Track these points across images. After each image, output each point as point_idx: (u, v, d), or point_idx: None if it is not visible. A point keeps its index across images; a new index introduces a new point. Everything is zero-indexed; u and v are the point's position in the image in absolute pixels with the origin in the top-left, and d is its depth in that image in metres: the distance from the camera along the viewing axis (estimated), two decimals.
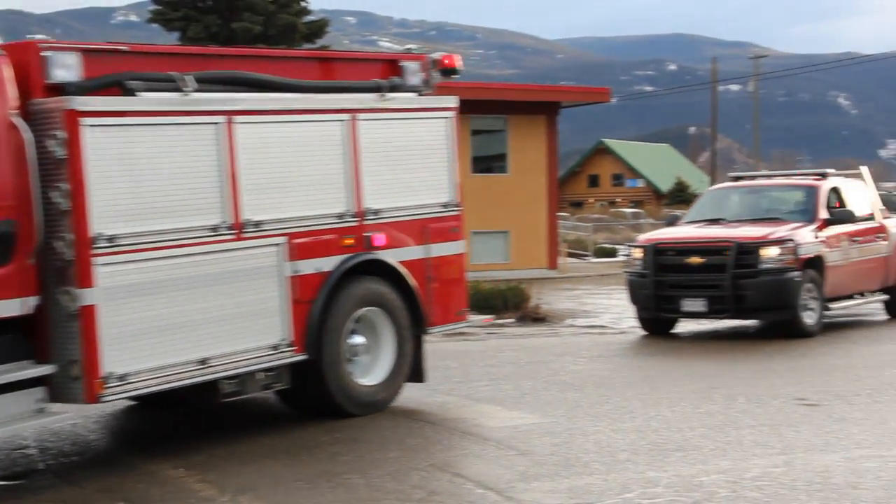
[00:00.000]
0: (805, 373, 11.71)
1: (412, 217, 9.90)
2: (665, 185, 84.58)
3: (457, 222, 10.31)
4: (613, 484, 7.21)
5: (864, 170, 17.84)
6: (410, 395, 10.98)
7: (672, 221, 16.90)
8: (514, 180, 30.11)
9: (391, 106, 9.72)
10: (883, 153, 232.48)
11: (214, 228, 8.35)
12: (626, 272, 15.76)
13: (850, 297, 15.98)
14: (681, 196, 77.64)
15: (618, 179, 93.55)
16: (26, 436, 9.26)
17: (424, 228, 9.99)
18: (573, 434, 8.78)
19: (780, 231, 14.58)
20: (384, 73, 9.94)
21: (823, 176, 16.30)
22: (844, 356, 12.95)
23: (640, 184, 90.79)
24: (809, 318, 14.50)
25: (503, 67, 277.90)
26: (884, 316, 17.14)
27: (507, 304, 18.00)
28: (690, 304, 14.49)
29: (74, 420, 9.97)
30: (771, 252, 14.19)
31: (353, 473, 7.68)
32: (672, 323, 15.48)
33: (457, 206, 10.29)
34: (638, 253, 15.09)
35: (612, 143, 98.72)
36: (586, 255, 42.06)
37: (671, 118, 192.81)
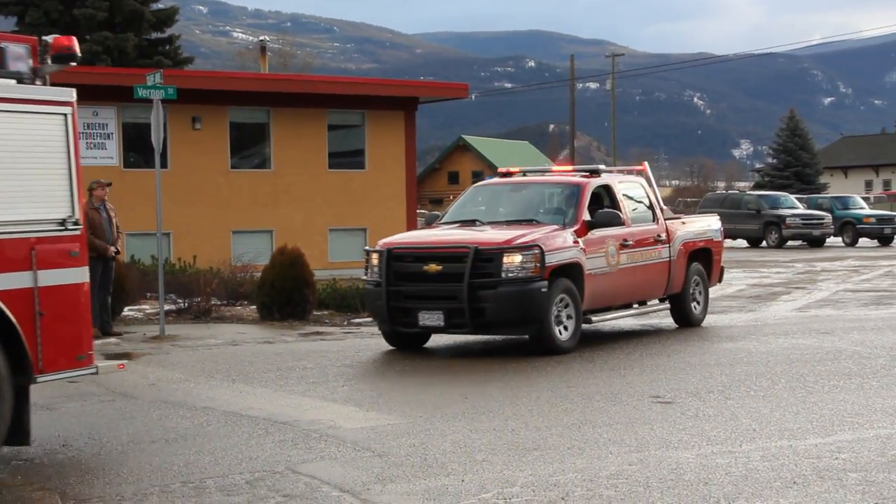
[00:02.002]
0: (660, 371, 11.88)
1: (13, 236, 8.00)
2: None
3: (77, 244, 8.40)
4: (470, 485, 7.16)
5: (647, 166, 16.59)
6: (263, 396, 10.77)
7: (431, 221, 15.18)
8: (372, 176, 29.96)
9: None
10: (736, 152, 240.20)
11: None
12: (363, 280, 14.14)
13: (628, 306, 14.92)
14: None
15: (478, 176, 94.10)
16: None
17: (32, 251, 8.07)
18: (430, 434, 8.71)
19: (527, 236, 13.03)
20: None
21: (595, 173, 15.02)
22: (699, 353, 13.19)
23: None
24: (563, 333, 13.11)
25: (361, 61, 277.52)
26: (673, 324, 16.04)
27: (364, 302, 17.82)
28: (428, 318, 13.00)
29: None
30: (513, 259, 12.71)
31: (207, 478, 7.47)
32: (423, 337, 14.00)
33: (77, 223, 8.40)
34: (374, 258, 13.50)
35: (472, 140, 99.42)
36: None
37: (530, 115, 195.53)
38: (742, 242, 42.31)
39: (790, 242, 40.70)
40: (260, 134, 29.26)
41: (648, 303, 15.46)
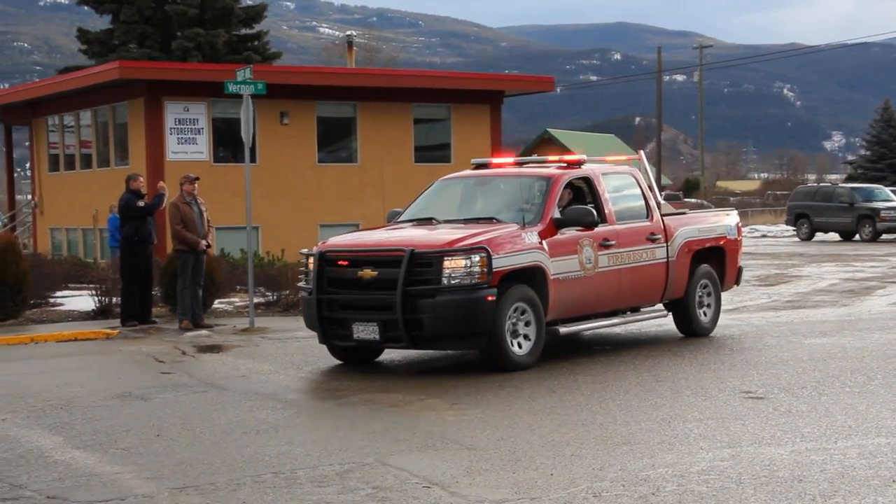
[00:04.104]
0: (751, 366, 11.69)
1: None
2: None
3: None
4: (559, 479, 7.12)
5: (642, 155, 14.94)
6: (351, 388, 10.84)
7: (391, 218, 13.51)
8: (458, 170, 29.93)
9: None
10: (828, 145, 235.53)
11: None
12: (300, 287, 12.72)
13: (613, 313, 13.22)
14: None
15: None
16: None
17: None
18: (518, 428, 8.68)
19: (473, 237, 11.47)
20: None
21: (574, 164, 13.33)
22: (790, 349, 12.95)
23: None
24: (521, 347, 11.60)
25: (446, 55, 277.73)
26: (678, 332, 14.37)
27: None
28: (363, 330, 11.47)
29: (3, 416, 9.73)
30: (455, 264, 11.17)
31: (298, 468, 7.54)
32: (372, 350, 12.39)
33: None
34: (310, 262, 12.03)
35: (557, 133, 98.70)
36: None
37: (616, 108, 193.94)
38: (834, 236, 41.53)
39: (885, 236, 39.79)
40: (347, 128, 29.48)
41: (643, 310, 13.78)
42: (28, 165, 40.09)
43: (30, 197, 37.33)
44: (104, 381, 11.75)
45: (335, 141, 29.73)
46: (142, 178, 17.28)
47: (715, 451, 7.74)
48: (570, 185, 12.99)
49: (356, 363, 12.41)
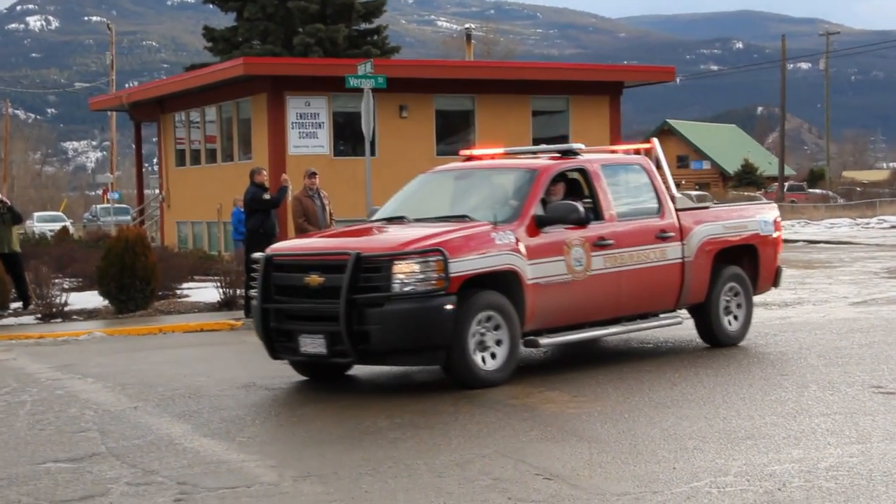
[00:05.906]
0: (882, 360, 11.35)
1: None
2: (732, 167, 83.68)
3: None
4: (682, 472, 7.03)
5: (655, 143, 13.25)
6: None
7: (372, 215, 12.37)
8: None
9: None
10: None
11: None
12: (250, 295, 11.58)
13: (616, 321, 11.70)
14: (748, 178, 76.74)
15: (682, 161, 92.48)
16: (87, 418, 9.33)
17: None
18: (638, 421, 8.61)
19: (429, 238, 10.19)
20: None
21: (569, 154, 11.97)
22: None
23: (706, 165, 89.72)
24: (489, 361, 10.30)
25: (564, 47, 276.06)
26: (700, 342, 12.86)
27: None
28: (310, 343, 10.28)
29: (135, 404, 10.02)
30: (406, 269, 9.91)
31: (416, 459, 7.59)
32: (339, 365, 10.97)
33: None
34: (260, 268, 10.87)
35: (677, 124, 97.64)
36: None
37: (738, 98, 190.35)
38: None
39: None
40: (465, 121, 29.57)
41: (662, 316, 12.31)
42: (156, 160, 41.18)
43: (157, 191, 38.37)
44: (229, 370, 12.01)
45: (454, 133, 29.84)
46: (265, 172, 17.57)
47: (843, 447, 7.56)
48: (564, 178, 11.80)
49: (324, 380, 11.11)
